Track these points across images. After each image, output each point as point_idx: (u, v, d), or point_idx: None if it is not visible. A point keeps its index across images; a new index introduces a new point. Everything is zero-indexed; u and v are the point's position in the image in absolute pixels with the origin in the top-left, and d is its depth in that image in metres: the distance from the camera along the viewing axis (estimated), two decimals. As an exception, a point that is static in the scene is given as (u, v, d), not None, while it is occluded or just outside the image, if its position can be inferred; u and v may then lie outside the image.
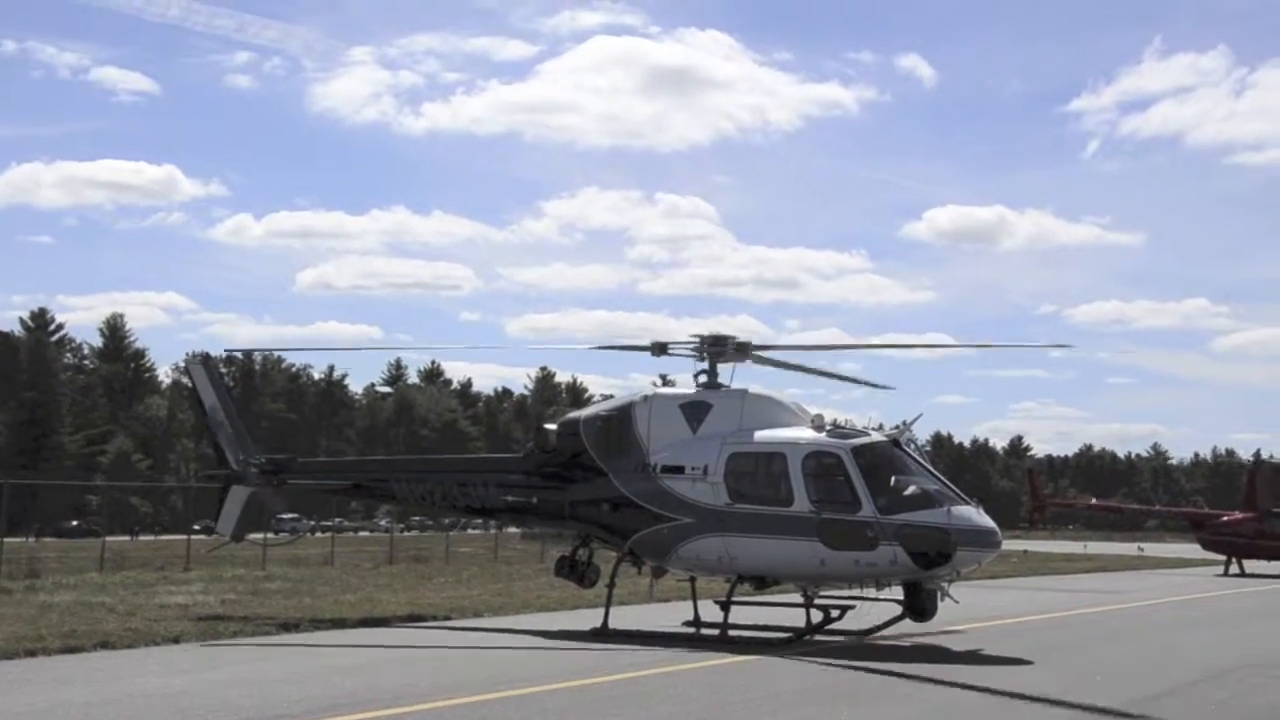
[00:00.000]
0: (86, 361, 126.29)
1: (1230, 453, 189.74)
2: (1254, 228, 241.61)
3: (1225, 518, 55.95)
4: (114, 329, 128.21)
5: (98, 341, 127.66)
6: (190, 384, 28.12)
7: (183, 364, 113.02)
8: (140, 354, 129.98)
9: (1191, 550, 62.73)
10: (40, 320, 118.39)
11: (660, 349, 22.80)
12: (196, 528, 51.26)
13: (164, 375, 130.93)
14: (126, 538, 68.15)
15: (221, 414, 25.71)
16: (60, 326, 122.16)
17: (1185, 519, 65.92)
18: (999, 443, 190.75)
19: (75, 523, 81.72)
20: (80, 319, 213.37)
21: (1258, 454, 58.15)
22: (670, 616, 22.86)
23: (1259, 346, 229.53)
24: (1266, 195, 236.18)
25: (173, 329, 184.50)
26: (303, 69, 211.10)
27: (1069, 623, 26.18)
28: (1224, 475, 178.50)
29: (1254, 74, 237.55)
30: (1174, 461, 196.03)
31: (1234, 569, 52.32)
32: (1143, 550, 77.47)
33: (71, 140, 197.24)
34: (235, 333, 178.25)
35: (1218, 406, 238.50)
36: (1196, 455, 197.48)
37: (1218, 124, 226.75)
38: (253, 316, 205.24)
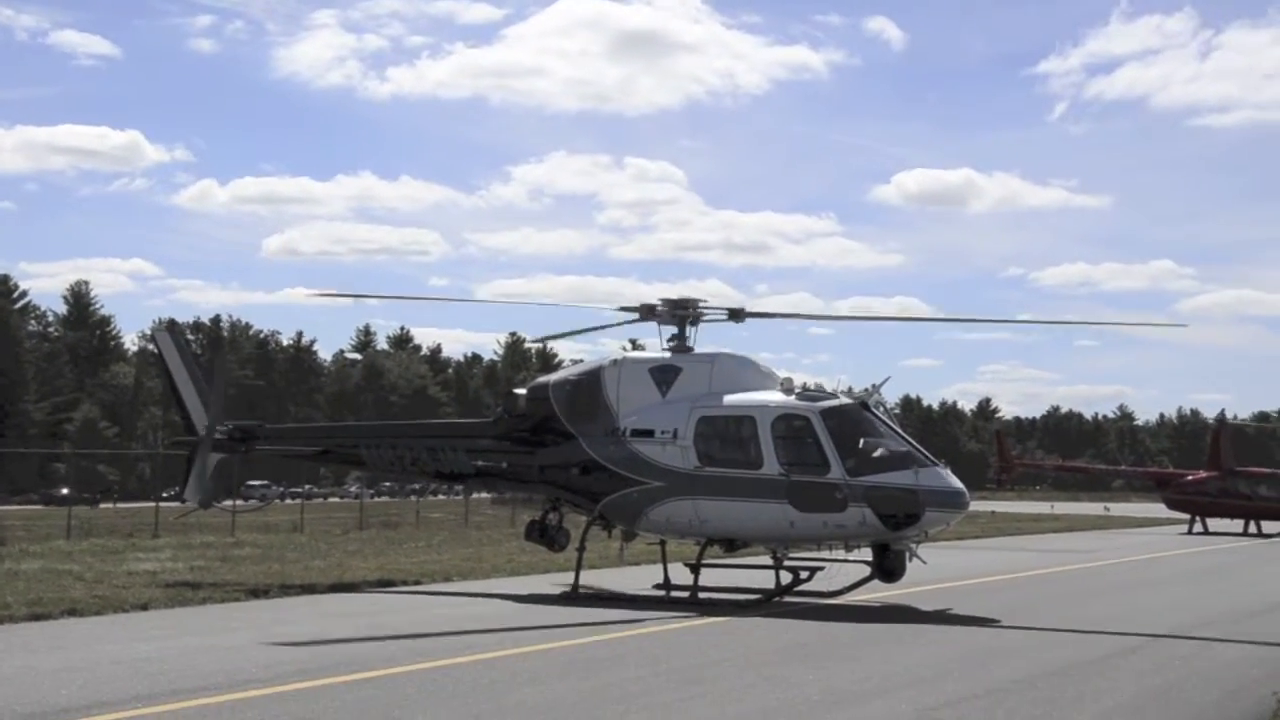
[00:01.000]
0: (51, 329, 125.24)
1: (1195, 413, 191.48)
2: (1220, 190, 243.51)
3: (1189, 477, 56.58)
4: (79, 296, 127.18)
5: (62, 309, 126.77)
6: (157, 351, 27.92)
7: (149, 331, 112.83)
8: (106, 321, 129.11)
9: (1157, 509, 63.41)
10: (3, 287, 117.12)
11: (649, 311, 22.65)
12: (165, 495, 51.09)
13: (130, 343, 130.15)
14: (86, 507, 67.64)
15: (188, 381, 25.54)
16: (24, 294, 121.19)
17: (1150, 479, 66.77)
18: (967, 405, 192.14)
19: (65, 490, 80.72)
20: (44, 286, 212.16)
21: (1222, 414, 58.71)
22: (640, 579, 22.93)
23: (1224, 308, 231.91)
24: (1232, 157, 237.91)
25: (138, 296, 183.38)
26: (266, 32, 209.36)
27: (1036, 582, 26.41)
28: (1189, 435, 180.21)
29: (1220, 35, 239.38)
30: (1140, 422, 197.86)
31: (1198, 528, 52.92)
32: (1109, 510, 78.25)
33: (32, 104, 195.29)
34: (201, 300, 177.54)
35: (1183, 368, 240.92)
36: (1162, 416, 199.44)
37: (1183, 86, 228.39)
38: (219, 283, 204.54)
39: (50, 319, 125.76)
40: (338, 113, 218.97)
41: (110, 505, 73.51)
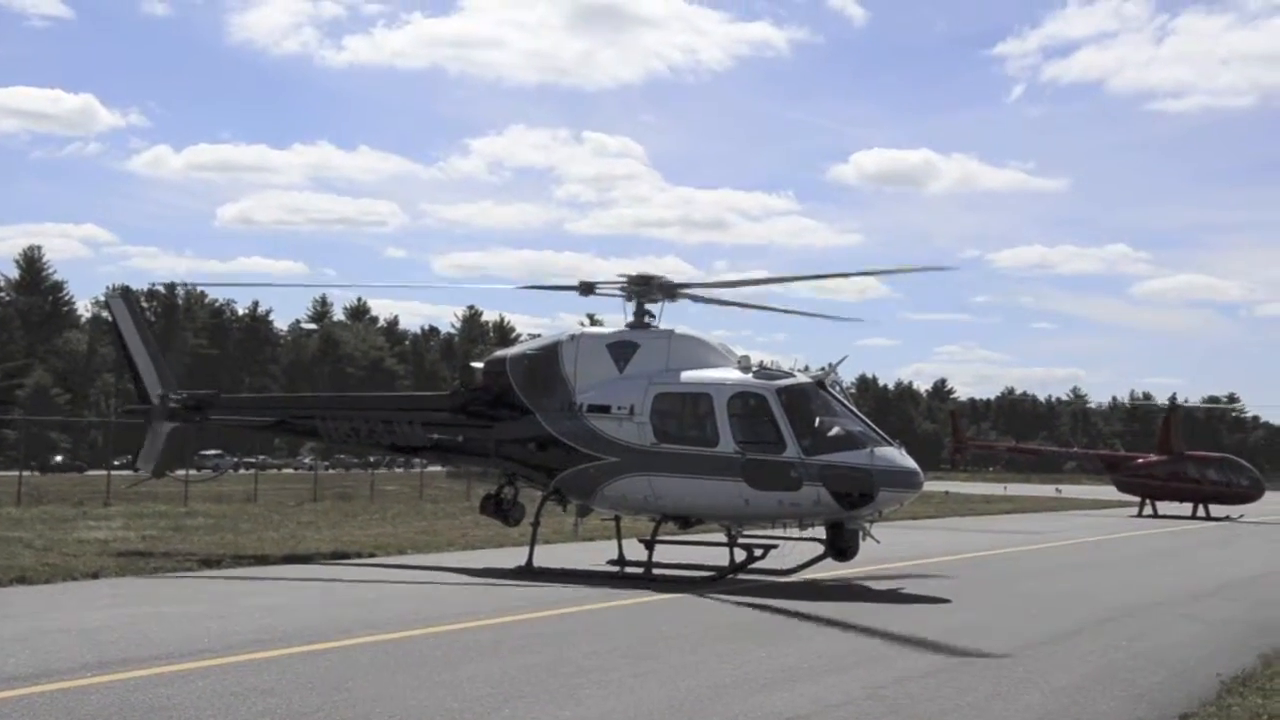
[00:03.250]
0: (3, 294, 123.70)
1: (1147, 396, 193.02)
2: (1175, 174, 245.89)
3: (1140, 460, 57.22)
4: (31, 261, 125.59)
5: (14, 273, 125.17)
6: (110, 318, 27.64)
7: (103, 297, 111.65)
8: (59, 286, 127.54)
9: (1108, 492, 64.10)
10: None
11: (587, 289, 22.73)
12: (118, 463, 50.67)
13: (84, 309, 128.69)
14: (36, 473, 66.93)
15: (141, 348, 25.32)
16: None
17: (1102, 461, 67.35)
18: (923, 385, 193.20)
19: (58, 459, 78.99)
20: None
21: (1173, 398, 59.28)
22: (595, 555, 22.97)
23: (1177, 292, 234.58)
24: (1186, 142, 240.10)
25: (92, 262, 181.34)
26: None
27: (987, 563, 26.66)
28: (1141, 419, 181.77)
29: (1175, 20, 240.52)
30: (1092, 405, 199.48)
31: (1148, 510, 53.57)
32: (1061, 492, 79.07)
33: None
34: (156, 266, 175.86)
35: (1136, 351, 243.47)
36: (1114, 399, 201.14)
37: (1139, 70, 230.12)
38: (174, 250, 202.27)
39: (2, 283, 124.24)
40: (295, 81, 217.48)
41: (35, 474, 72.63)
